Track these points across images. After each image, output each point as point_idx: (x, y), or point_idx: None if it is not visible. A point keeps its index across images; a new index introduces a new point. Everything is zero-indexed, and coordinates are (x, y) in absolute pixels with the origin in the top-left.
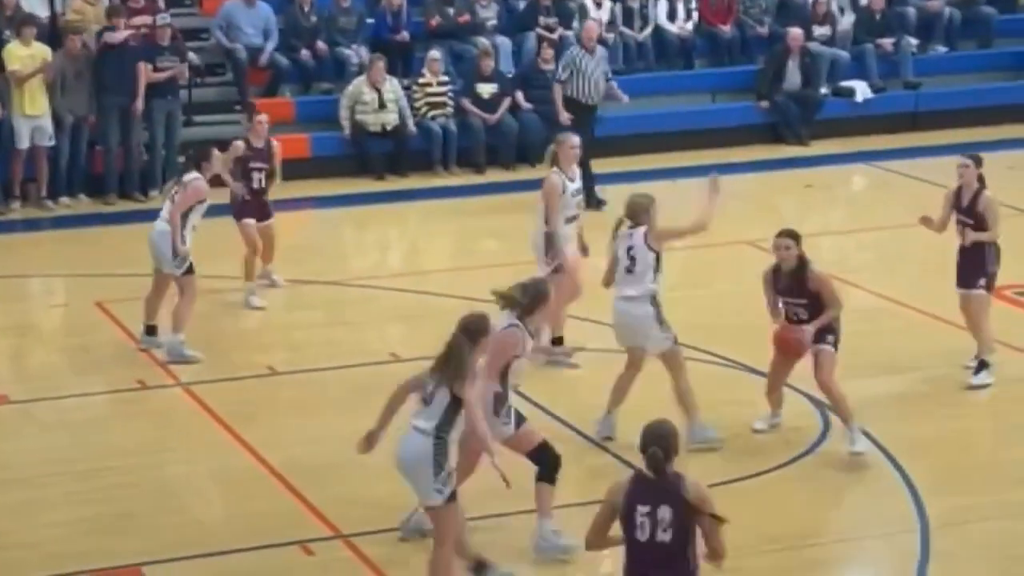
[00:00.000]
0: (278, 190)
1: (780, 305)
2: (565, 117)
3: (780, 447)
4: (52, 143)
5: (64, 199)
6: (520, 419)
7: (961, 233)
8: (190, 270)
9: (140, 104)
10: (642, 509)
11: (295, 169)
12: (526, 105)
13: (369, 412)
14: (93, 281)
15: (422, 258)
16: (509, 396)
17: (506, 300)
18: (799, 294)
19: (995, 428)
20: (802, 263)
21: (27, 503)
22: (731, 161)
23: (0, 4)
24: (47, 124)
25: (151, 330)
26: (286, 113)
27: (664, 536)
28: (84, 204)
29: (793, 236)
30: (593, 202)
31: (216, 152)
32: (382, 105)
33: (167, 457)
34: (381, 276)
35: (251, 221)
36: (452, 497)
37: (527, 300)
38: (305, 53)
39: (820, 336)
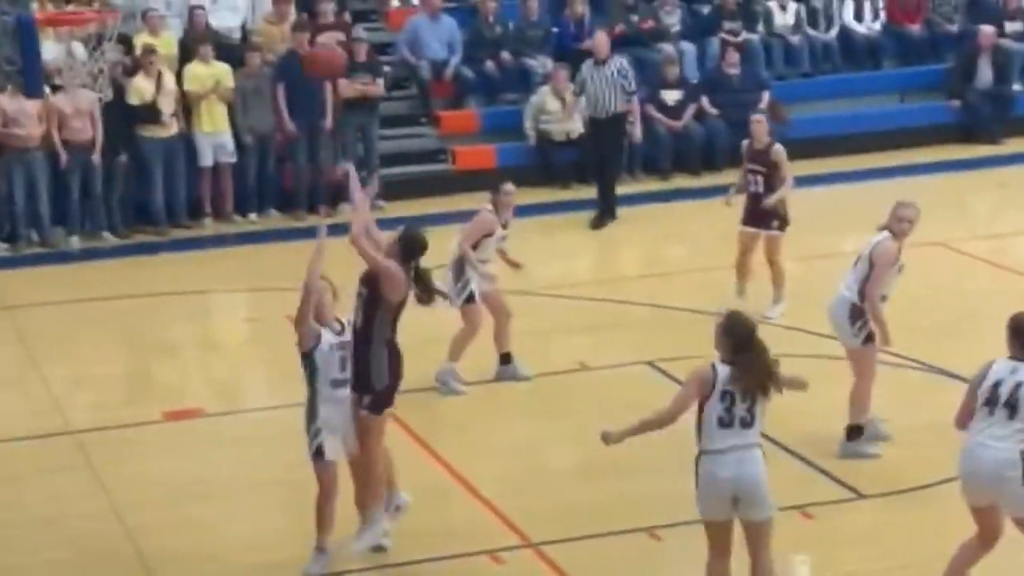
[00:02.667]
0: (461, 200)
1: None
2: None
3: None
4: (233, 159)
5: (253, 215)
6: None
7: None
8: (471, 299)
9: (329, 121)
10: None
11: (480, 180)
12: (711, 111)
13: (556, 421)
14: (283, 295)
15: (608, 266)
16: None
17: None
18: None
19: None
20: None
21: (219, 516)
22: (921, 161)
23: (190, 23)
24: (228, 141)
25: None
26: (471, 125)
27: None
28: (274, 219)
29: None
30: (608, 218)
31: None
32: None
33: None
34: (568, 284)
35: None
36: None
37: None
38: (490, 65)
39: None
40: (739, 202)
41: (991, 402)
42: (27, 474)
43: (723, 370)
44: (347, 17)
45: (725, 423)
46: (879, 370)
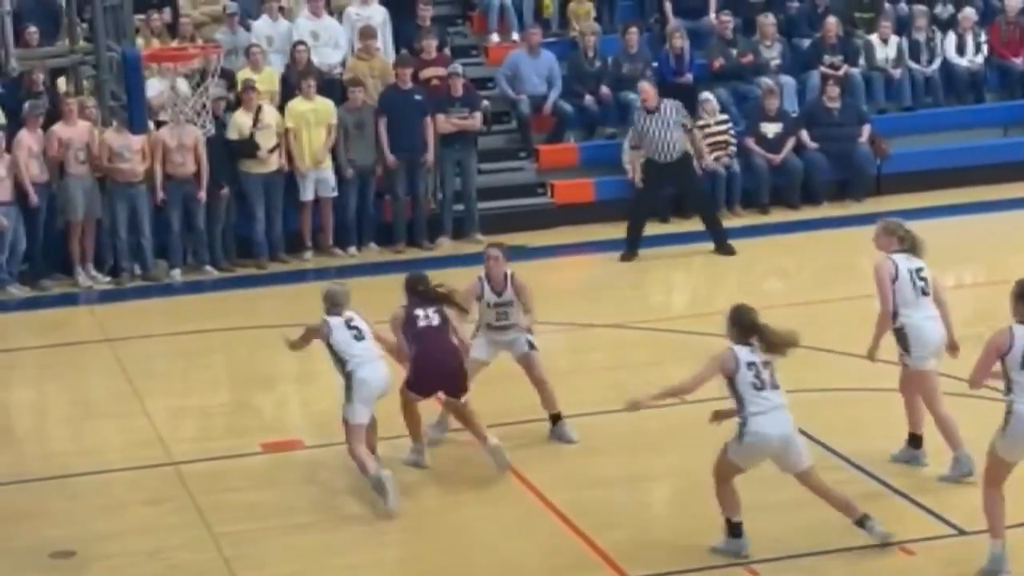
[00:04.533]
0: (560, 234)
1: None
2: (638, 179)
3: None
4: (335, 194)
5: (352, 248)
6: None
7: None
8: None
9: (431, 156)
10: None
11: (580, 214)
12: (811, 144)
13: (652, 454)
14: (383, 328)
15: (706, 299)
16: None
17: None
18: None
19: None
20: None
21: (317, 547)
22: None
23: (292, 60)
24: (330, 176)
25: None
26: (570, 159)
27: None
28: (373, 253)
29: None
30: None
31: None
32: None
33: (451, 501)
34: (664, 318)
35: None
36: None
37: None
38: (589, 99)
39: None
40: None
41: None
42: (128, 505)
43: (742, 350)
44: (447, 52)
45: (758, 387)
46: (984, 404)
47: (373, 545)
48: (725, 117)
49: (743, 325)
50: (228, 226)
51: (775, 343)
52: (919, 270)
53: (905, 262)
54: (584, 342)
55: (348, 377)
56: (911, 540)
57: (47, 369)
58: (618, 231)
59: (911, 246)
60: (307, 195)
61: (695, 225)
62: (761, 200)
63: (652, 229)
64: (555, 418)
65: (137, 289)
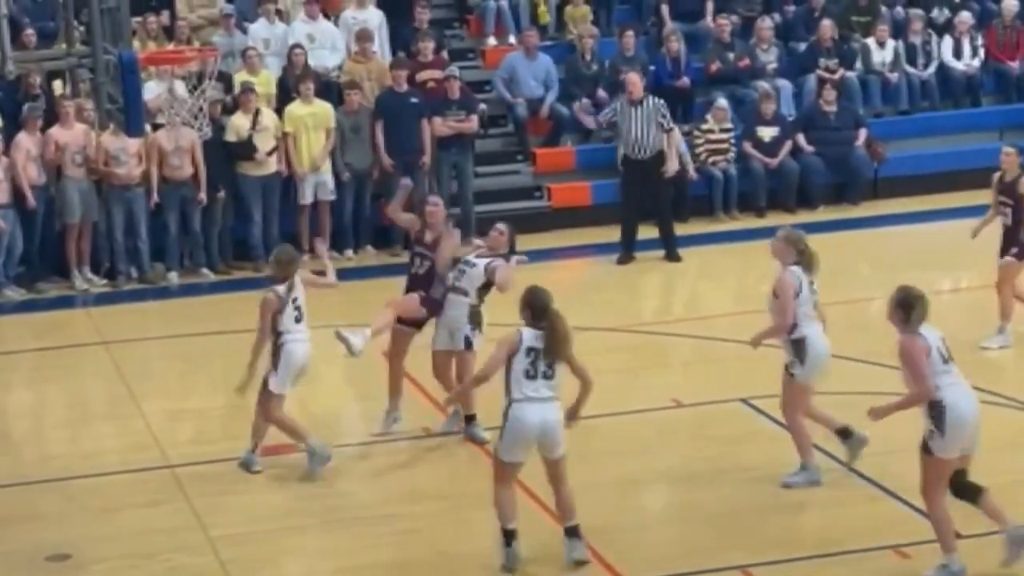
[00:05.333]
0: (556, 238)
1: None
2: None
3: None
4: (333, 197)
5: (349, 251)
6: None
7: None
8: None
9: (428, 159)
10: None
11: (576, 217)
12: (808, 148)
13: (646, 457)
14: None
15: (703, 303)
16: None
17: None
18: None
19: None
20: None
21: (315, 550)
22: None
23: (289, 63)
24: (328, 179)
25: None
26: (567, 162)
27: None
28: (370, 256)
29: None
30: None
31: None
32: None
33: (450, 504)
34: (662, 321)
35: None
36: None
37: None
38: (586, 102)
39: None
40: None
41: None
42: (124, 507)
43: (528, 333)
44: (445, 55)
45: (531, 376)
46: (983, 408)
47: (370, 548)
48: (731, 125)
49: (535, 308)
50: (225, 229)
51: (554, 337)
52: (811, 283)
53: (805, 276)
54: (581, 345)
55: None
56: (906, 544)
57: (43, 371)
58: (614, 234)
59: (807, 261)
60: (306, 198)
61: (691, 229)
62: (758, 203)
63: (649, 233)
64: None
65: (134, 292)
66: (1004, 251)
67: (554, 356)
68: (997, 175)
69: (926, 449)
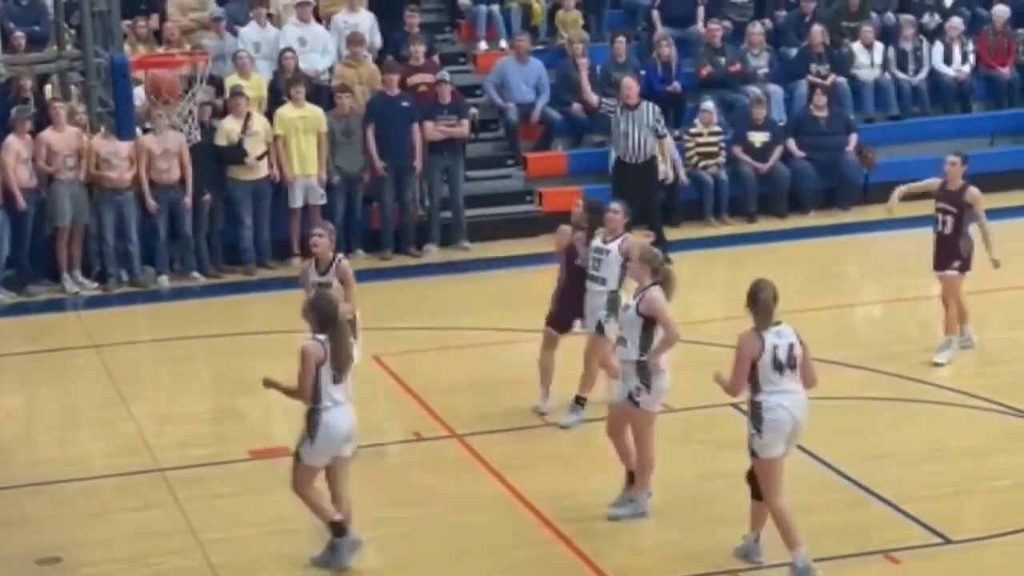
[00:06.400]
0: (547, 242)
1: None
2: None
3: None
4: (323, 201)
5: (340, 255)
6: None
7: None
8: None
9: (419, 163)
10: None
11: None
12: (798, 153)
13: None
14: (369, 335)
15: (694, 308)
16: None
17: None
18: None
19: None
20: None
21: (305, 554)
22: (1011, 205)
23: (280, 65)
24: (316, 183)
25: None
26: (558, 166)
27: None
28: (360, 259)
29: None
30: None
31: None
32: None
33: (440, 508)
34: None
35: None
36: None
37: None
38: (577, 107)
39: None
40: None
41: None
42: (114, 511)
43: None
44: (435, 59)
45: (337, 381)
46: (964, 413)
47: (361, 552)
48: (719, 128)
49: (322, 314)
50: (215, 232)
51: (335, 345)
52: None
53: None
54: (572, 349)
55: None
56: (897, 548)
57: (34, 375)
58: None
59: (664, 280)
60: (296, 202)
61: (683, 233)
62: (748, 208)
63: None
64: None
65: (124, 295)
66: (943, 262)
67: (341, 364)
68: (939, 182)
69: (751, 452)
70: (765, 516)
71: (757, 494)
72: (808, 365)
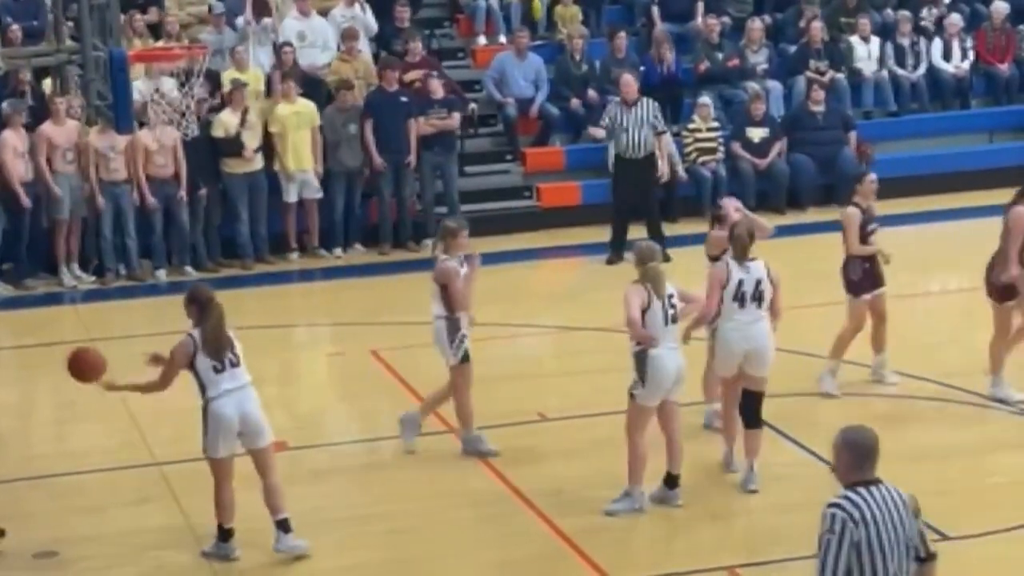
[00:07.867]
0: (545, 238)
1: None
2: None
3: None
4: (319, 195)
5: (338, 250)
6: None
7: None
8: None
9: (413, 158)
10: None
11: (565, 217)
12: (797, 149)
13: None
14: (368, 329)
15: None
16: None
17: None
18: None
19: None
20: None
21: (316, 549)
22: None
23: (278, 60)
24: (312, 178)
25: None
26: (557, 162)
27: None
28: (359, 254)
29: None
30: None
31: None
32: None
33: (440, 503)
34: None
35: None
36: None
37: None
38: (575, 102)
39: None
40: None
41: None
42: (111, 505)
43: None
44: (430, 54)
45: (219, 370)
46: (961, 411)
47: (358, 547)
48: (717, 124)
49: (199, 303)
50: (211, 227)
51: (215, 334)
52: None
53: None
54: (570, 345)
55: None
56: None
57: (30, 369)
58: (604, 234)
59: (652, 278)
60: (290, 197)
61: (681, 229)
62: (747, 204)
63: (638, 233)
64: None
65: (122, 289)
66: (877, 281)
67: (220, 348)
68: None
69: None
70: (759, 445)
71: (750, 424)
72: (776, 298)
